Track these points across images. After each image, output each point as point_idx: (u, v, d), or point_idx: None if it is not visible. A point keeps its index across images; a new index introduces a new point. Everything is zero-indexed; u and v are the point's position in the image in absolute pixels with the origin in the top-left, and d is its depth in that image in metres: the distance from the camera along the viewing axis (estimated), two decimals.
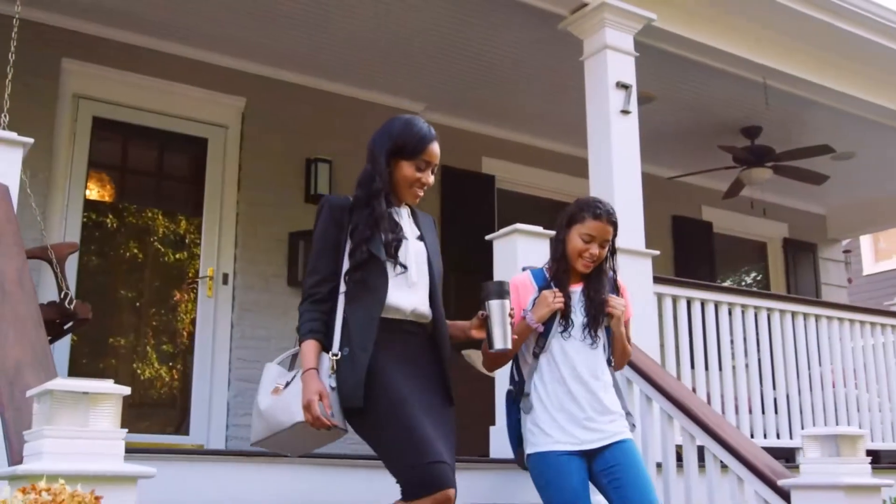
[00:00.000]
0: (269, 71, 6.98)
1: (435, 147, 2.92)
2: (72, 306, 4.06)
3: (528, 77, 7.17)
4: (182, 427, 6.46)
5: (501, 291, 2.96)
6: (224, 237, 6.69)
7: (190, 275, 6.69)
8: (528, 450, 3.19)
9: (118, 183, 6.76)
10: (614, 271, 3.36)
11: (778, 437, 5.70)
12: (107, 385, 2.00)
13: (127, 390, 2.03)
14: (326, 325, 2.79)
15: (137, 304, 6.64)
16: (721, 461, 3.82)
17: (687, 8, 5.95)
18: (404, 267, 2.83)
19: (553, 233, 4.92)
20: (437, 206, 7.67)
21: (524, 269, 3.52)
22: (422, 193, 2.96)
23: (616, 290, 3.34)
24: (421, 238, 2.97)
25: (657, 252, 5.27)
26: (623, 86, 5.45)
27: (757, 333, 5.73)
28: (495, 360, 3.27)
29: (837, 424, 6.04)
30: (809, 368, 6.00)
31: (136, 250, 6.66)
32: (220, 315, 6.58)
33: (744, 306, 5.69)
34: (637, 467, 3.11)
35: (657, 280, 5.24)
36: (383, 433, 2.70)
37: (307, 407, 2.66)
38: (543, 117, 7.95)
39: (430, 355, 2.90)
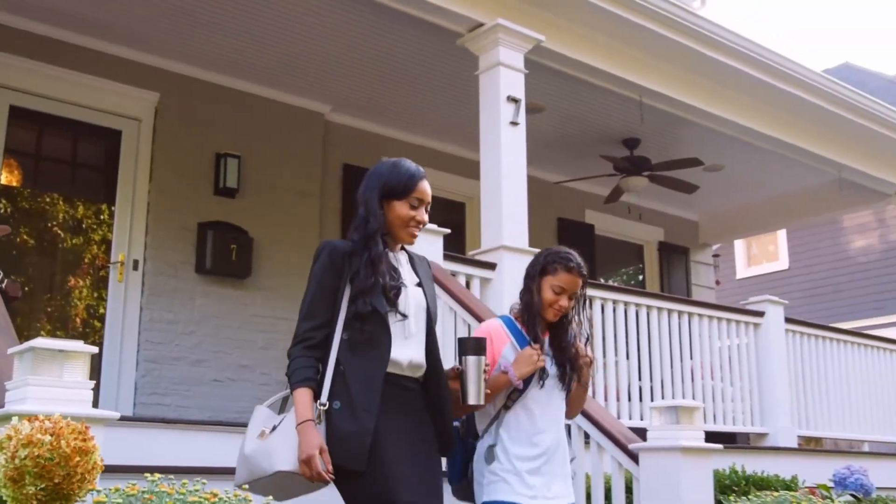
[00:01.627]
0: (183, 68, 7.32)
1: (425, 185, 2.93)
2: (3, 285, 4.40)
3: (427, 85, 7.70)
4: None
5: (479, 348, 3.00)
6: (135, 225, 7.02)
7: (101, 260, 7.00)
8: (487, 497, 3.15)
9: (33, 170, 7.02)
10: (588, 320, 3.41)
11: (641, 419, 6.37)
12: (78, 345, 2.44)
13: (95, 349, 2.47)
14: (318, 372, 2.74)
15: (48, 286, 6.92)
16: (585, 433, 4.41)
17: (572, 31, 6.56)
18: (404, 316, 2.81)
19: (448, 232, 5.48)
20: (339, 202, 8.15)
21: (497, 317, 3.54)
22: (418, 233, 2.95)
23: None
24: (419, 285, 2.94)
25: (537, 250, 5.86)
26: (513, 100, 6.02)
27: (626, 327, 6.40)
28: (462, 409, 3.16)
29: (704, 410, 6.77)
30: (672, 363, 6.69)
31: (48, 236, 6.94)
32: (129, 299, 6.91)
33: (615, 301, 6.35)
34: None
35: None
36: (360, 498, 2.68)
37: (307, 461, 2.58)
38: (440, 121, 8.48)
39: (423, 407, 2.88)
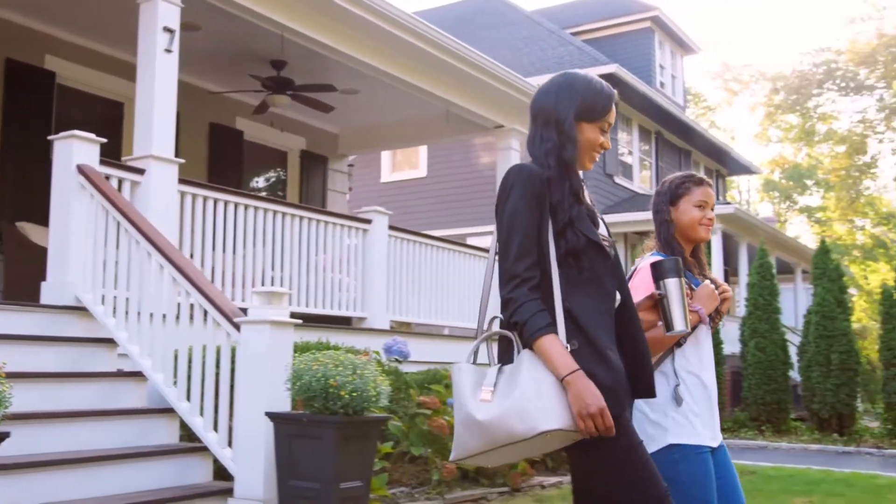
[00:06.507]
0: None
1: (614, 107, 2.65)
2: None
3: None
4: None
5: (678, 269, 2.80)
6: None
7: None
8: (674, 440, 3.00)
9: None
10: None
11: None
12: None
13: None
14: None
15: None
16: (206, 311, 5.67)
17: None
18: (612, 249, 2.58)
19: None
20: (1, 96, 8.69)
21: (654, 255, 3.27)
22: (597, 160, 2.68)
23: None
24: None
25: (182, 160, 7.00)
26: (168, 30, 7.00)
27: (254, 227, 7.76)
28: (659, 346, 3.04)
29: (323, 297, 8.38)
30: (301, 258, 8.16)
31: None
32: None
33: (246, 206, 7.67)
34: (734, 471, 3.19)
35: (182, 181, 6.99)
36: (624, 462, 2.41)
37: (598, 414, 2.28)
38: (103, 26, 9.14)
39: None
